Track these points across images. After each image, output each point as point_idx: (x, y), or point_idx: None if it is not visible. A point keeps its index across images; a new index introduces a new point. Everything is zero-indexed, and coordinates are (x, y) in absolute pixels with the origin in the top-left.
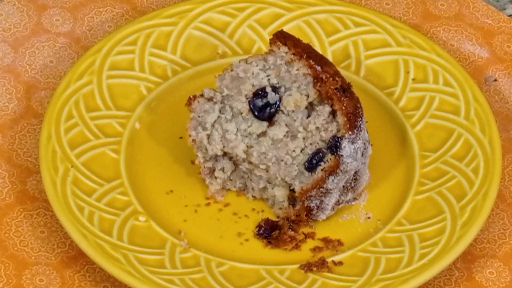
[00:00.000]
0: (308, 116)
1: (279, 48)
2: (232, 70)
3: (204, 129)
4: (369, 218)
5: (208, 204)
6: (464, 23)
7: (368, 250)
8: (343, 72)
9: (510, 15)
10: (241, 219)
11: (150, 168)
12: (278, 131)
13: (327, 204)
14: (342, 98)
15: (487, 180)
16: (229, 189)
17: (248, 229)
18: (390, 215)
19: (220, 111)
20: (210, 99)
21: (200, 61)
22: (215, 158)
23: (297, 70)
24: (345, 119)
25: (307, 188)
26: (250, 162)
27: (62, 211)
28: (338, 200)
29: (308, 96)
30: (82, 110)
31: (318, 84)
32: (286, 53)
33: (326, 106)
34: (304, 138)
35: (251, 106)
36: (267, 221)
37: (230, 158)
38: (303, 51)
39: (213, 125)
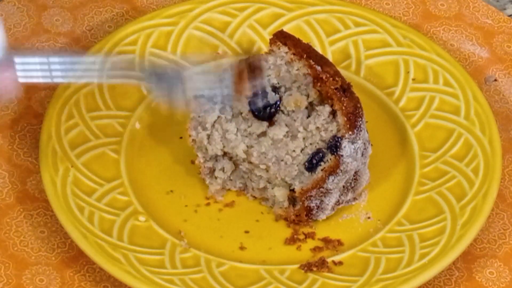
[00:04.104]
0: (308, 116)
1: (279, 48)
2: None
3: (204, 129)
4: (369, 218)
5: (208, 204)
6: (464, 23)
7: (368, 250)
8: (343, 72)
9: (510, 15)
10: None
11: (150, 168)
12: (278, 131)
13: (327, 204)
14: (342, 98)
15: (487, 180)
16: (229, 189)
17: None
18: (390, 215)
19: (220, 111)
20: (210, 99)
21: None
22: (215, 158)
23: (297, 70)
24: (345, 119)
25: (307, 188)
26: (250, 162)
27: (62, 211)
28: (338, 200)
29: (308, 96)
30: (82, 110)
31: (318, 84)
32: (286, 53)
33: (326, 106)
34: (304, 138)
35: (251, 106)
36: None
37: (230, 158)
38: (303, 51)
39: (213, 125)
